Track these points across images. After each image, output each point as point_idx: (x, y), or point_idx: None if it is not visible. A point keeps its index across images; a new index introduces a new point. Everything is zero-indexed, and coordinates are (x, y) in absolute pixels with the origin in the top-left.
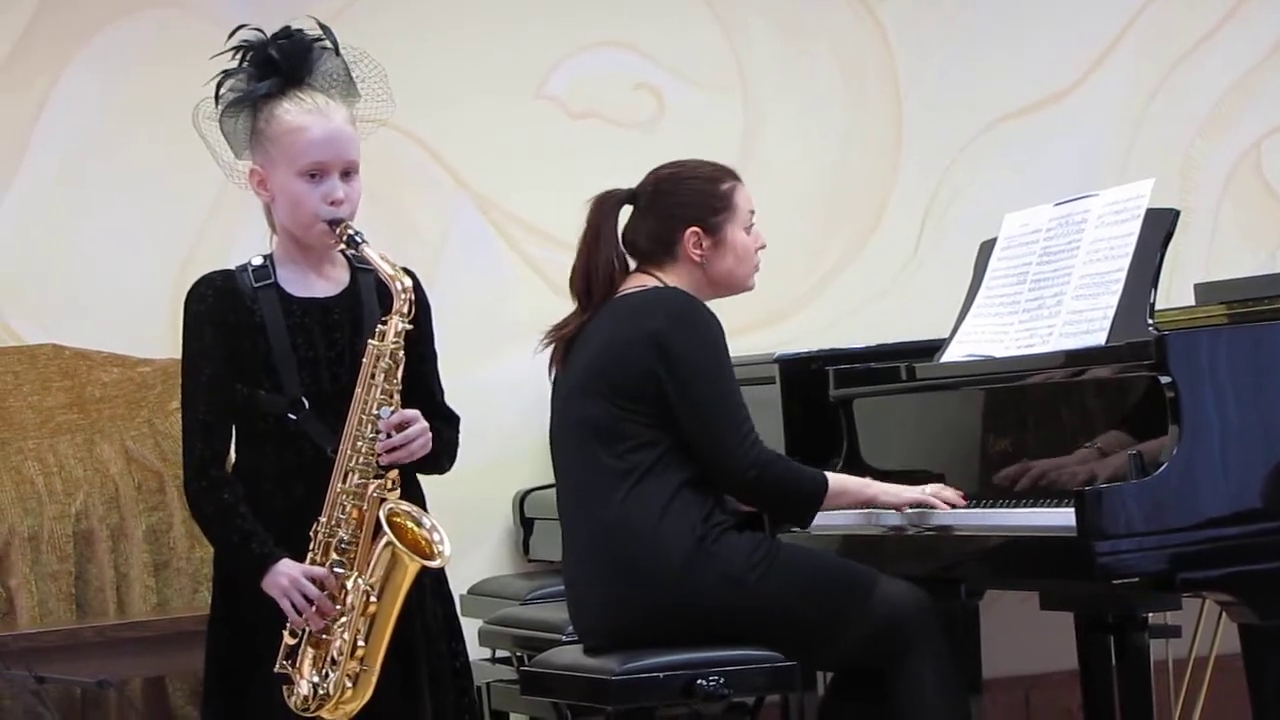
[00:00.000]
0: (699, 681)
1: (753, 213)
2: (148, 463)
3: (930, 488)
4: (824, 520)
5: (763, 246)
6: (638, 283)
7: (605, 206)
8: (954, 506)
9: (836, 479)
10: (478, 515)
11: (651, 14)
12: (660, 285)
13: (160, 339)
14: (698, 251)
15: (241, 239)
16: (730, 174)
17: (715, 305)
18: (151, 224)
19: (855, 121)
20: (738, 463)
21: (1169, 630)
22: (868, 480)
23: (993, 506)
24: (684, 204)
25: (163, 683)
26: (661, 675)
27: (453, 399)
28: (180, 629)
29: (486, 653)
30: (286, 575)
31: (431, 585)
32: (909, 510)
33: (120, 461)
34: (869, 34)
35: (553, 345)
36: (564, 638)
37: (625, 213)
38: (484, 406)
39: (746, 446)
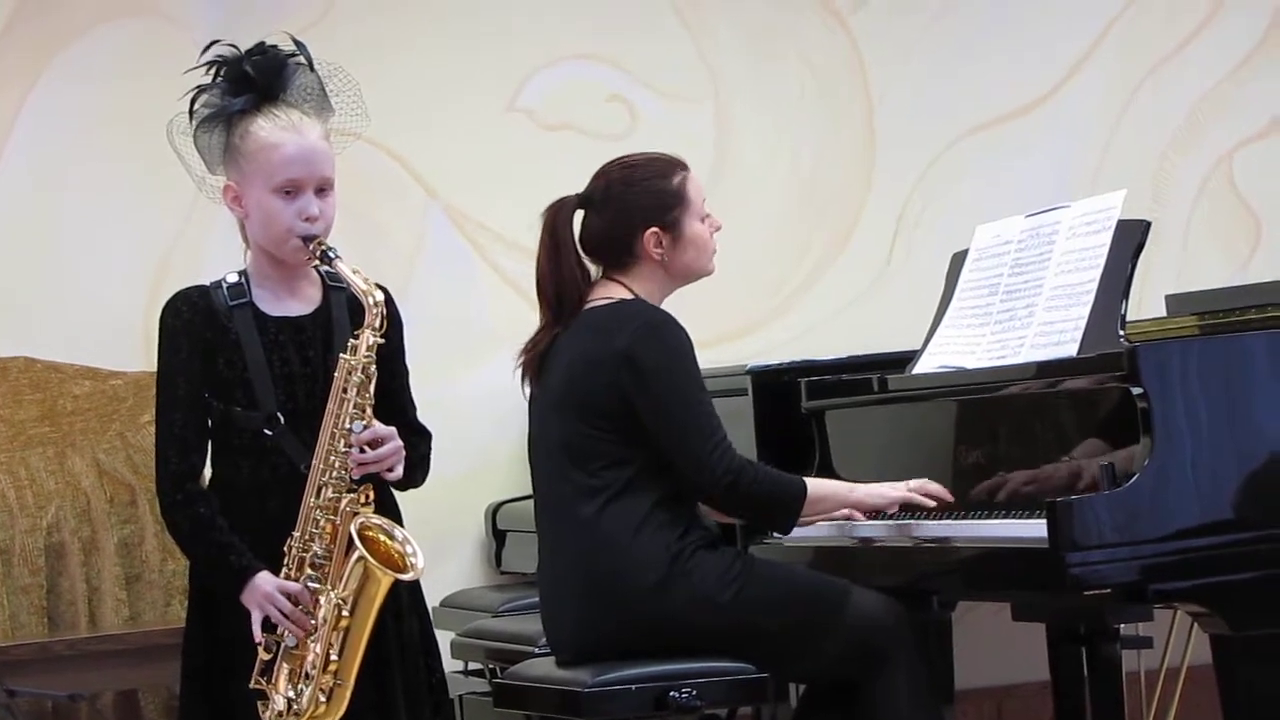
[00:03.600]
0: (671, 693)
1: (704, 200)
2: (120, 476)
3: (914, 483)
4: (796, 532)
5: (718, 228)
6: (604, 294)
7: (561, 215)
8: (939, 501)
9: (816, 483)
10: (450, 527)
11: (623, 26)
12: (627, 298)
13: (132, 352)
14: (658, 250)
15: (214, 252)
16: (678, 165)
17: (687, 315)
18: (124, 236)
19: (827, 133)
20: (712, 471)
21: (1140, 641)
22: (851, 485)
23: (965, 518)
24: (639, 206)
25: (135, 696)
26: (634, 687)
27: (425, 411)
28: (152, 642)
29: (459, 665)
30: (261, 590)
31: (408, 599)
32: (879, 521)
33: (92, 474)
34: (840, 45)
35: (525, 364)
36: (537, 650)
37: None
38: (456, 419)
39: (719, 454)
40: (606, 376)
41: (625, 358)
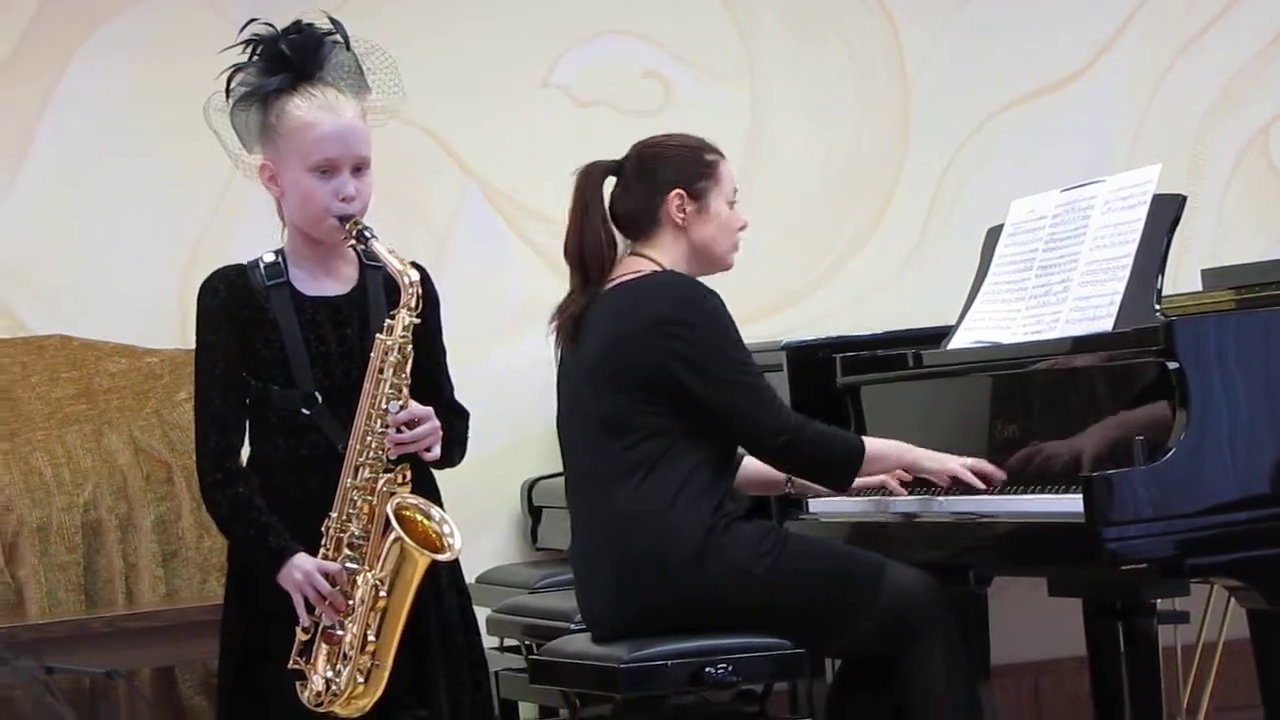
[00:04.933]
0: (707, 669)
1: (735, 190)
2: (156, 453)
3: (970, 461)
4: (832, 506)
5: (743, 226)
6: (633, 267)
7: (591, 178)
8: (990, 484)
9: (874, 442)
10: (486, 504)
11: (659, 2)
12: (657, 269)
13: (167, 329)
14: (680, 215)
15: (248, 230)
16: (714, 149)
17: (724, 290)
18: (158, 214)
19: (862, 109)
20: (768, 431)
21: (1177, 616)
22: (908, 445)
23: (1001, 493)
24: (667, 168)
25: (171, 673)
26: (670, 663)
27: (461, 388)
28: (189, 619)
29: (495, 641)
30: (301, 570)
31: (448, 578)
32: (915, 496)
33: (128, 452)
34: (877, 21)
35: (559, 326)
36: (572, 626)
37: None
38: (492, 395)
39: (774, 413)
40: (646, 347)
41: (666, 325)
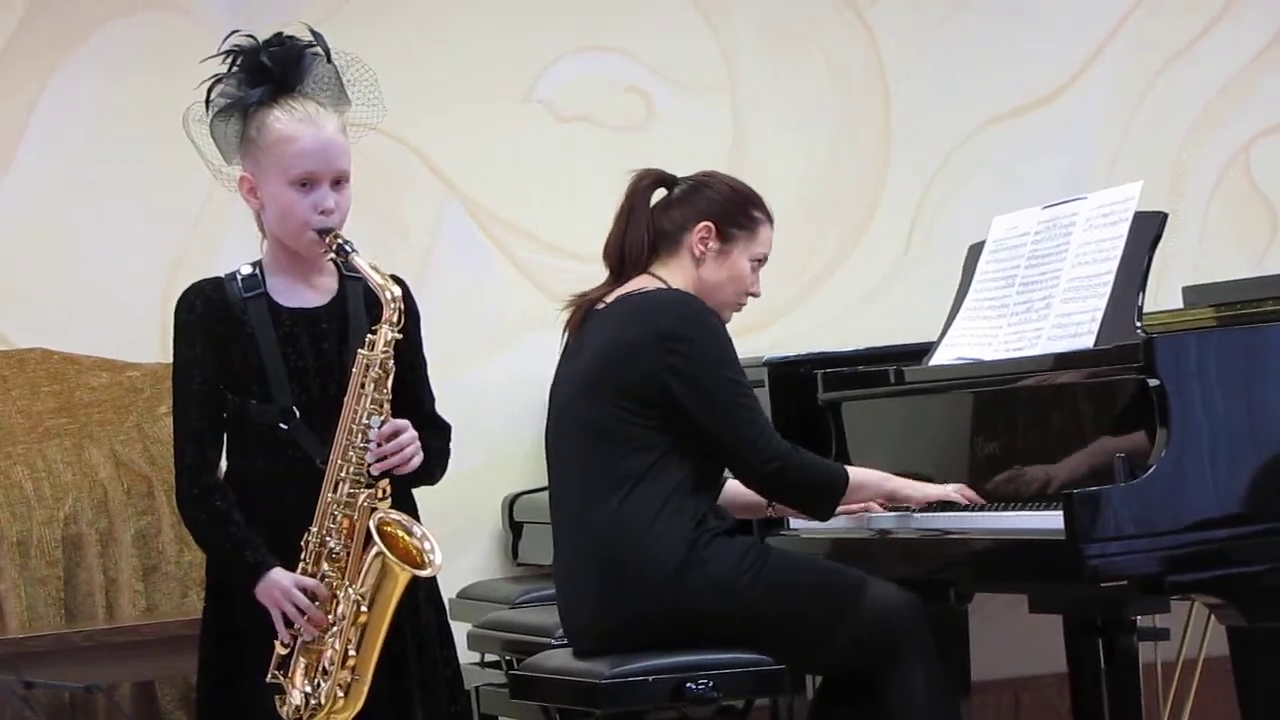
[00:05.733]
0: (688, 685)
1: (765, 258)
2: (136, 467)
3: (951, 487)
4: (812, 524)
5: (755, 294)
6: (639, 284)
7: (644, 181)
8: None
9: (857, 472)
10: (467, 519)
11: (640, 18)
12: (663, 287)
13: (149, 343)
14: (701, 247)
15: (230, 243)
16: (766, 210)
17: None
18: (140, 228)
19: (844, 125)
20: (758, 457)
21: (1157, 633)
22: (887, 474)
23: (982, 509)
24: (710, 200)
25: (152, 687)
26: (650, 679)
27: (442, 403)
28: (169, 634)
29: (475, 657)
30: (278, 586)
31: (425, 593)
32: (895, 513)
33: (109, 466)
34: (858, 37)
35: (573, 311)
36: (553, 641)
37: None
38: (473, 410)
39: (765, 439)
40: (645, 359)
41: (666, 340)
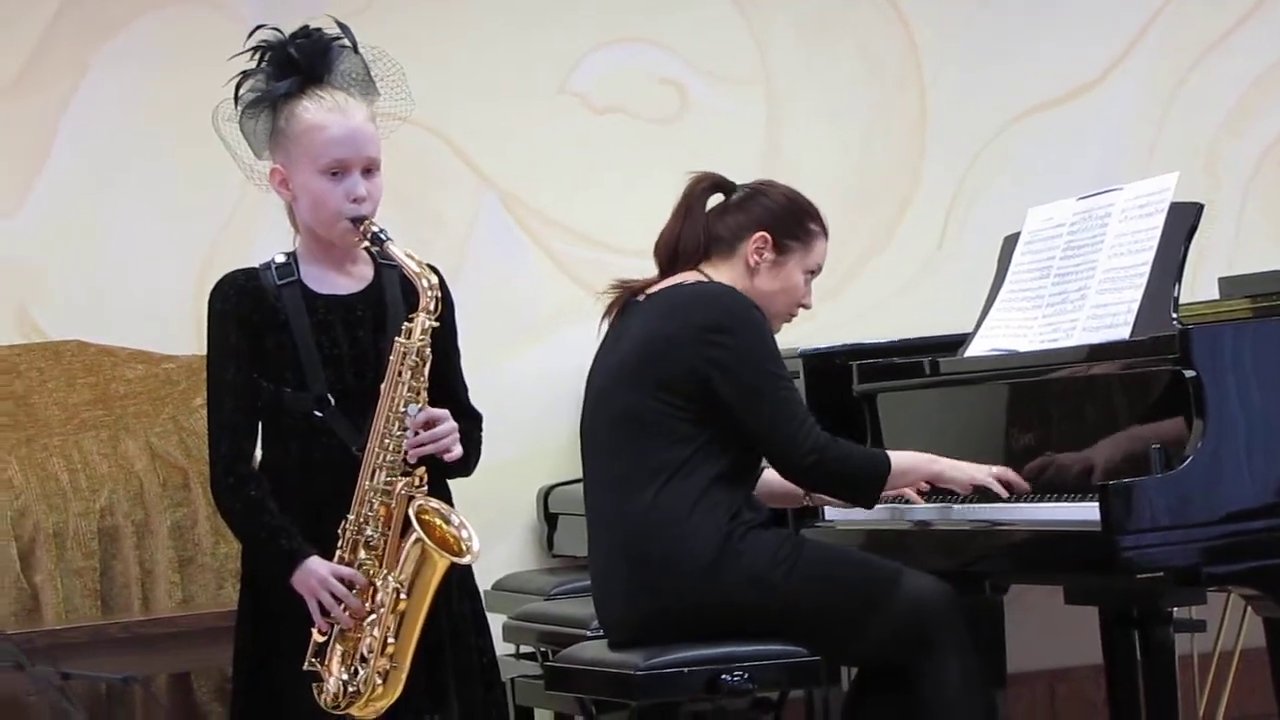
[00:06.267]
0: (723, 676)
1: (819, 270)
2: (172, 459)
3: (995, 470)
4: (848, 515)
5: (806, 305)
6: (684, 278)
7: (702, 185)
8: (1014, 492)
9: (899, 456)
10: (502, 510)
11: (675, 9)
12: (706, 280)
13: (184, 335)
14: (756, 258)
15: (264, 235)
16: (822, 223)
17: None
18: (175, 220)
19: (879, 117)
20: (798, 449)
21: (1194, 624)
22: (932, 457)
23: (1017, 501)
24: (769, 210)
25: (188, 679)
26: (685, 670)
27: (477, 395)
28: (205, 625)
29: (511, 648)
30: (315, 575)
31: (458, 581)
32: (931, 504)
33: (145, 458)
34: (892, 29)
35: (615, 296)
36: (588, 633)
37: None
38: (509, 402)
39: (805, 432)
40: (685, 351)
41: (707, 331)
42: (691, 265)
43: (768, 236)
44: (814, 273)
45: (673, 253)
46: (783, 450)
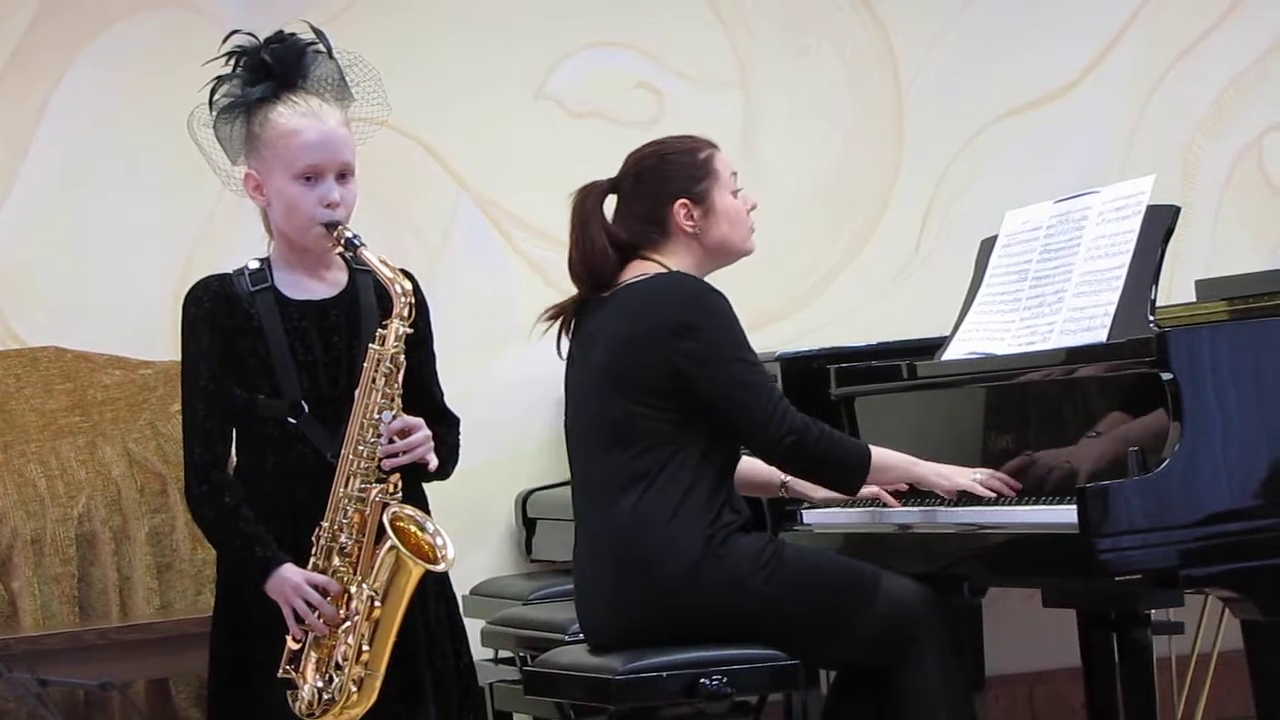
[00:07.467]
0: (701, 681)
1: (735, 175)
2: (150, 465)
3: (980, 474)
4: (826, 518)
5: (753, 207)
6: (639, 270)
7: (589, 199)
8: (1001, 496)
9: (881, 451)
10: (480, 515)
11: (652, 13)
12: (663, 270)
13: (162, 341)
14: (689, 223)
15: (242, 241)
16: (706, 142)
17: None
18: (153, 226)
19: (856, 120)
20: (774, 431)
21: (1172, 626)
22: (914, 459)
23: (995, 504)
24: (666, 179)
25: (166, 685)
26: (664, 675)
27: (454, 399)
28: (183, 631)
29: (489, 653)
30: (289, 582)
31: (434, 587)
32: (910, 508)
33: (122, 464)
34: (870, 32)
35: (557, 320)
36: (567, 638)
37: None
38: (486, 407)
39: (780, 413)
40: (656, 350)
41: (673, 328)
42: (606, 281)
43: (684, 201)
44: (736, 187)
45: (587, 270)
46: (760, 432)
